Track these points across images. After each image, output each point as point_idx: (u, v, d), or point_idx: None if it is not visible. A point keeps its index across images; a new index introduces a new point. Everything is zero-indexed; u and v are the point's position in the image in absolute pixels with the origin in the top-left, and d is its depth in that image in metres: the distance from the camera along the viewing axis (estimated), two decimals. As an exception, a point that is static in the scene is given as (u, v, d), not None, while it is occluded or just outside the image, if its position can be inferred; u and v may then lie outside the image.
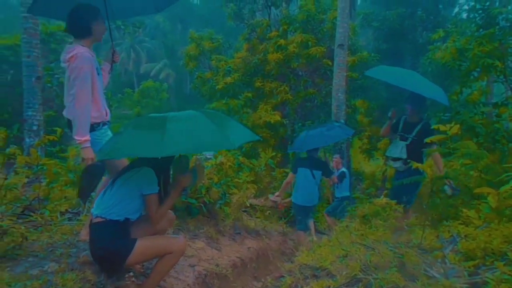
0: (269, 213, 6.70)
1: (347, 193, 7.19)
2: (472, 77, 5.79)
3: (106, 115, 2.92)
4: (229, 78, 10.95)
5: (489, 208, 3.18)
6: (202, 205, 4.35)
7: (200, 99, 13.37)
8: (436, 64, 6.16)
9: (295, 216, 6.15)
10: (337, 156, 7.54)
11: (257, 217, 6.34)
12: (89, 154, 2.69)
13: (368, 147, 11.38)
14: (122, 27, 11.50)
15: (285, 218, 7.05)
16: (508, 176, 3.16)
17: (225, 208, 4.72)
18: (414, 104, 4.47)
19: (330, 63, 9.79)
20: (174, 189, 2.65)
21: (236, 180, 5.66)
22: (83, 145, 2.68)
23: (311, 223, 6.00)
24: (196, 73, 12.29)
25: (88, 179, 2.65)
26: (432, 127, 3.65)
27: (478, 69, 5.59)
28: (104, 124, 2.90)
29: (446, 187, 3.99)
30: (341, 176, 6.96)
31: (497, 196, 3.12)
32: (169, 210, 2.83)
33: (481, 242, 2.64)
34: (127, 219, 2.54)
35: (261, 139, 9.62)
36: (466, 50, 5.40)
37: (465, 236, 2.97)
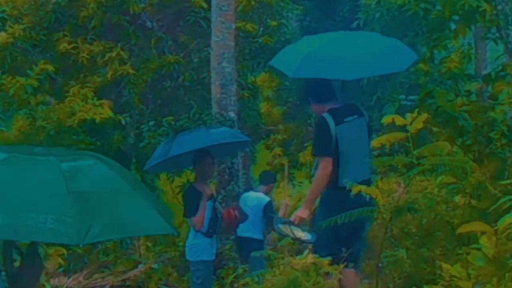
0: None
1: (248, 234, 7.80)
2: (447, 31, 6.39)
3: None
4: (3, 34, 10.57)
5: (483, 258, 3.54)
6: None
7: None
8: (387, 11, 6.68)
9: None
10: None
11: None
12: None
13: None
14: None
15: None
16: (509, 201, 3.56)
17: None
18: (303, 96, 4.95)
19: (204, 4, 10.01)
20: None
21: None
22: None
23: None
24: None
25: None
26: (382, 120, 3.92)
27: (455, 18, 6.20)
28: None
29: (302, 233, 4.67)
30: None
31: (494, 237, 3.48)
32: None
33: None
34: None
35: None
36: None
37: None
